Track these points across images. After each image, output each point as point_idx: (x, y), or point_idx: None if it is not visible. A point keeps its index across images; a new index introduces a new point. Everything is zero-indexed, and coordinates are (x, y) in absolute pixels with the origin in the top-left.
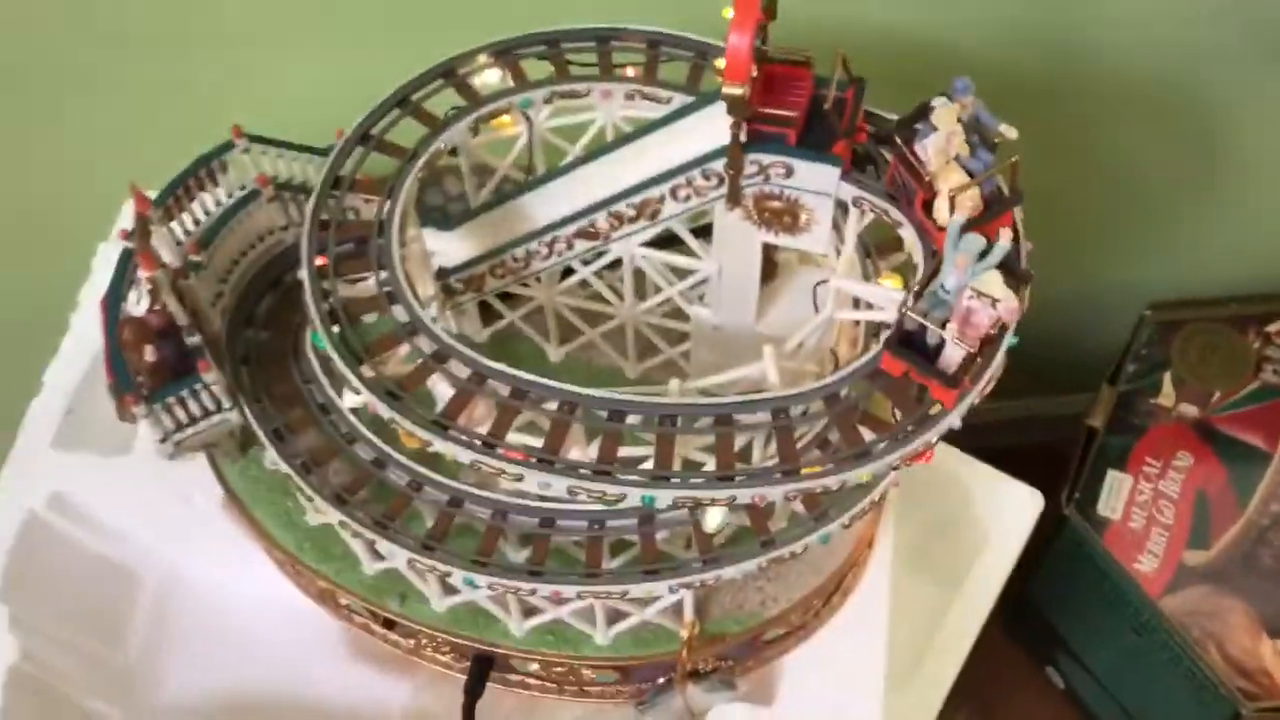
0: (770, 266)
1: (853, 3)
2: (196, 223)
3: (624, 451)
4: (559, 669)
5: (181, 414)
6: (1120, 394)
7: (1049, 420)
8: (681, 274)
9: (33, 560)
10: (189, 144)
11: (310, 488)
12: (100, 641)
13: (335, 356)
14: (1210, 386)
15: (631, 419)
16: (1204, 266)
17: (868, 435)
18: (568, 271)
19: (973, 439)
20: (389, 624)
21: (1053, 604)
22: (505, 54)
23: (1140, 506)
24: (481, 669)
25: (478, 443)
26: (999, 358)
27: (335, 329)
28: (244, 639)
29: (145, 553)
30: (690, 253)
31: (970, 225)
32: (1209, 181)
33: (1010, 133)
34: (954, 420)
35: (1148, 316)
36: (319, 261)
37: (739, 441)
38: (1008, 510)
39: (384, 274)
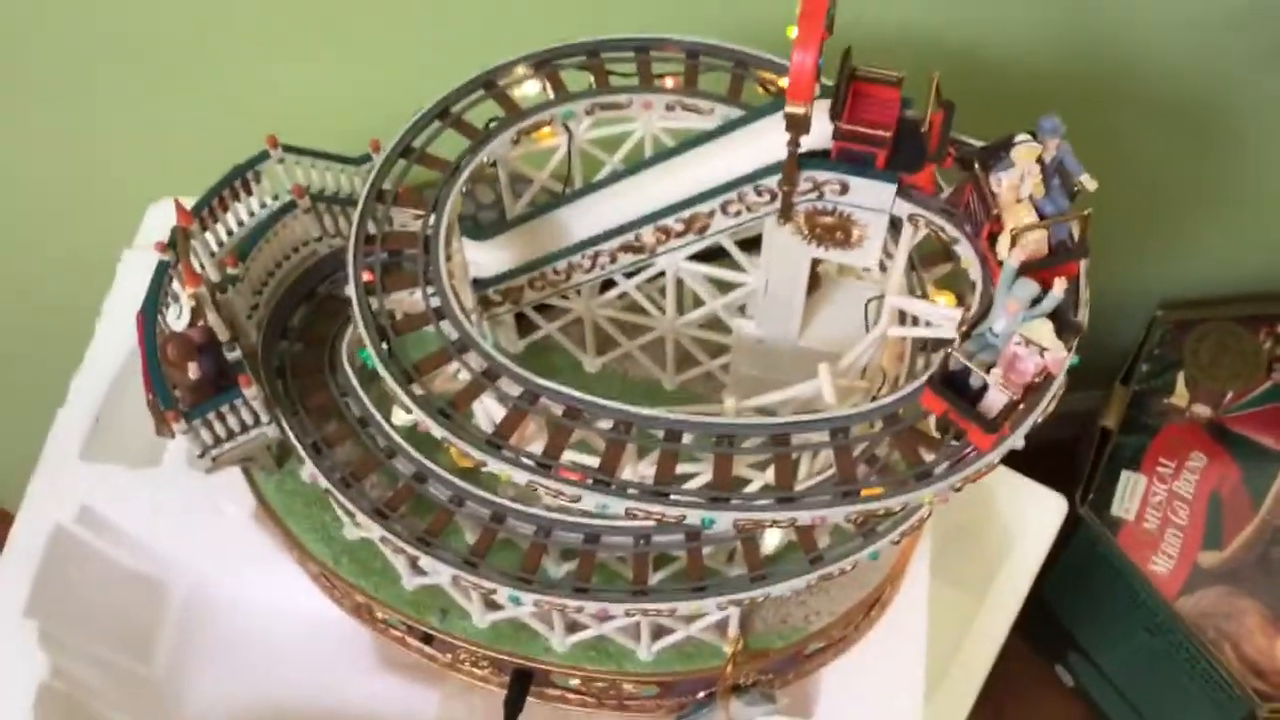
0: (814, 279)
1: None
2: (230, 233)
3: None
4: (600, 684)
5: (220, 429)
6: (1133, 394)
7: (1060, 417)
8: (725, 287)
9: (61, 574)
10: (219, 153)
11: (350, 502)
12: (129, 656)
13: (385, 375)
14: (1223, 386)
15: (687, 438)
16: (1217, 266)
17: (927, 455)
18: (607, 283)
19: None
20: (427, 639)
21: (1065, 603)
22: (544, 64)
23: (1154, 507)
24: (522, 685)
25: (533, 463)
26: (1056, 384)
27: (384, 345)
28: (272, 650)
29: (173, 565)
30: (736, 266)
31: (1029, 269)
32: (1222, 182)
33: (1090, 183)
34: (1015, 439)
35: (1160, 316)
36: (366, 277)
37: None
38: (1032, 515)
39: (431, 289)
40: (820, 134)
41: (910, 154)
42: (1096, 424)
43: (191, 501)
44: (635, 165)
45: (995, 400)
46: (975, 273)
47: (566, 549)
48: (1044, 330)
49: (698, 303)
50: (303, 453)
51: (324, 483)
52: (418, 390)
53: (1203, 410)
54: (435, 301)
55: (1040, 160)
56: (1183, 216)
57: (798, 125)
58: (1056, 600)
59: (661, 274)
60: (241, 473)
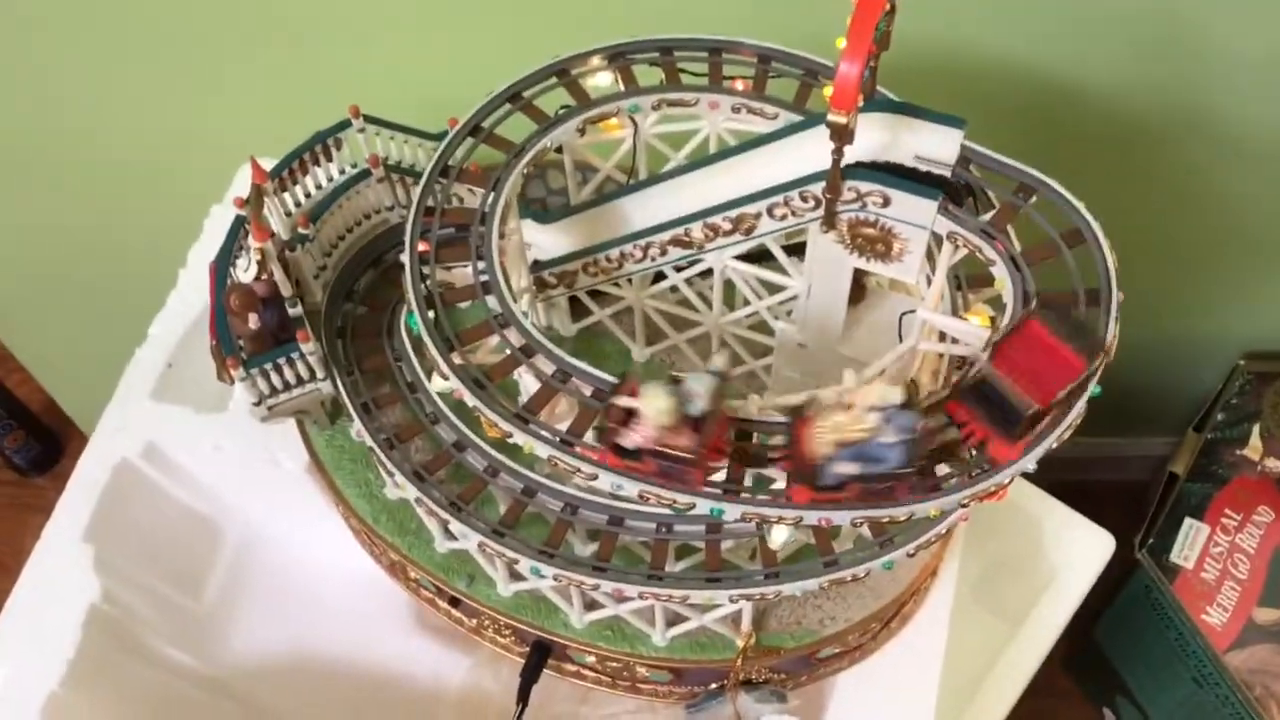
0: (859, 289)
1: (966, 30)
2: (308, 196)
3: None
4: (614, 664)
5: (277, 380)
6: (1206, 441)
7: (1134, 460)
8: (771, 289)
9: (122, 506)
10: (311, 119)
11: (392, 463)
12: (179, 590)
13: (428, 340)
14: None
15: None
16: None
17: (941, 469)
18: (659, 276)
19: (1054, 472)
20: (454, 601)
21: (1116, 646)
22: (618, 57)
23: (1215, 558)
24: (540, 656)
25: (556, 439)
26: (1074, 412)
27: (430, 313)
28: (315, 600)
29: (230, 508)
30: (781, 269)
31: None
32: None
33: None
34: (1028, 464)
35: (1241, 366)
36: (421, 247)
37: None
38: (1078, 551)
39: (481, 264)
40: (868, 145)
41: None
42: (1165, 469)
43: (251, 450)
44: (693, 162)
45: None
46: (1008, 295)
47: (592, 529)
48: None
49: (744, 303)
50: (353, 411)
51: (370, 441)
52: (457, 359)
53: (1276, 465)
54: (484, 277)
55: None
56: (1273, 264)
57: (841, 134)
58: (1108, 643)
59: (710, 271)
60: (296, 425)
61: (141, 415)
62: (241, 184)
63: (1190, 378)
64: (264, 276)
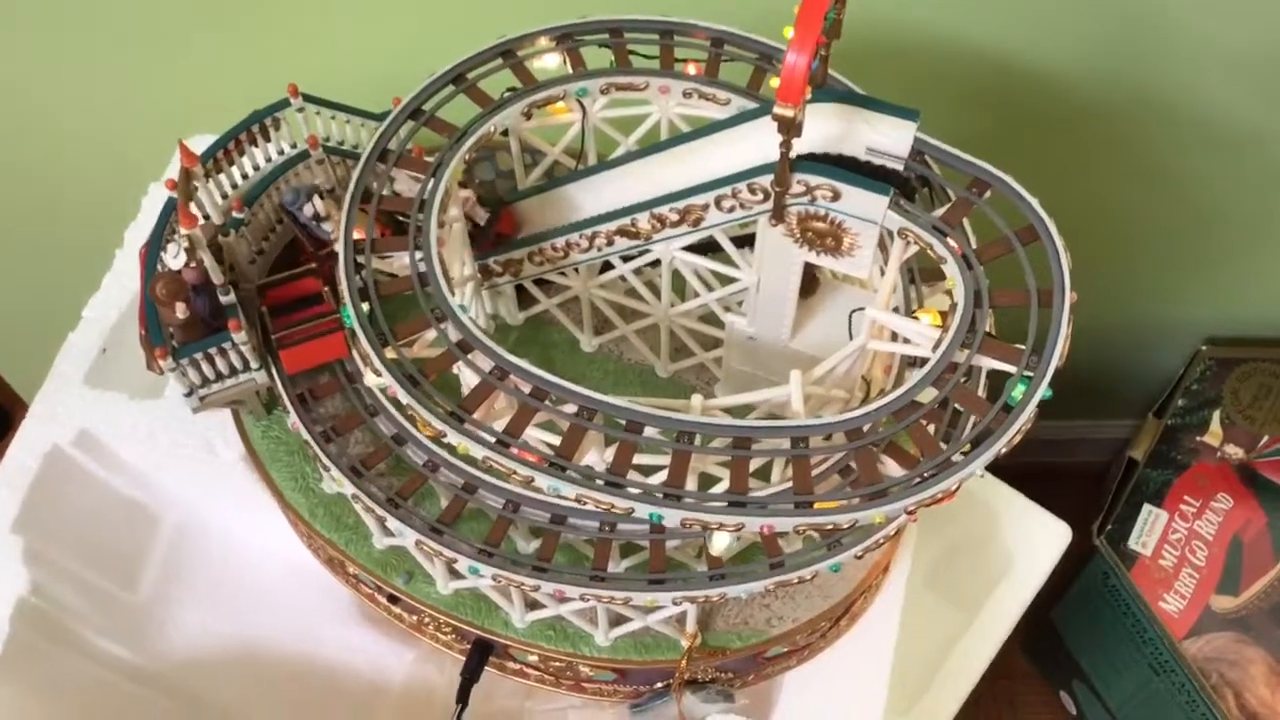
0: (811, 282)
1: (922, 11)
2: (245, 177)
3: (638, 460)
4: (557, 663)
5: (209, 370)
6: (1166, 428)
7: (1096, 443)
8: (721, 281)
9: (53, 495)
10: (256, 94)
11: (328, 457)
12: (113, 581)
13: (360, 335)
14: (1259, 430)
15: (649, 431)
16: (1268, 305)
17: (894, 470)
18: (607, 265)
19: (1016, 454)
20: (393, 599)
21: (1074, 631)
22: (566, 38)
23: (1173, 545)
24: (481, 654)
25: (492, 439)
26: (1023, 418)
27: (365, 305)
28: (255, 591)
29: (166, 497)
30: (730, 261)
31: None
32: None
33: None
34: (975, 468)
35: (1203, 351)
36: (357, 235)
37: (756, 463)
38: (1035, 540)
39: (419, 254)
40: (819, 137)
41: None
42: (1123, 455)
43: (188, 438)
44: (642, 149)
45: None
46: (959, 293)
47: (535, 526)
48: None
49: (694, 294)
50: (288, 403)
51: (305, 434)
52: (390, 354)
53: (1235, 451)
54: (422, 267)
55: None
56: (1235, 250)
57: (788, 128)
58: (1065, 627)
59: (658, 261)
60: (232, 415)
61: (74, 401)
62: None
63: (1153, 362)
64: (193, 264)
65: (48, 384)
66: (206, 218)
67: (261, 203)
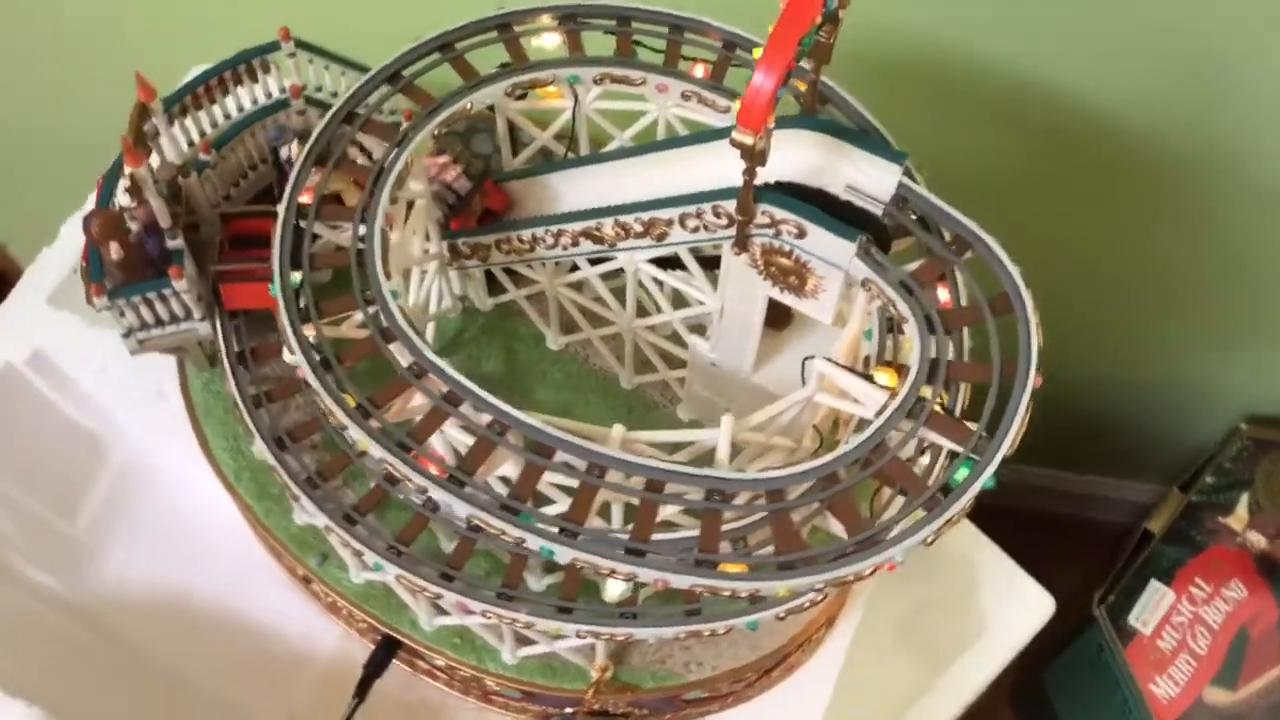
0: (785, 314)
1: (982, 39)
2: (227, 117)
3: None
4: (463, 673)
5: (148, 314)
6: (1189, 503)
7: (1115, 502)
8: (684, 300)
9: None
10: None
11: (254, 422)
12: (53, 509)
13: (281, 306)
14: None
15: (560, 457)
16: None
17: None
18: (576, 264)
19: (1033, 499)
20: (306, 579)
21: (1063, 696)
22: (570, 19)
23: (1175, 627)
24: (387, 651)
25: (394, 440)
26: (966, 497)
27: (297, 275)
28: (195, 541)
29: (117, 430)
30: (693, 282)
31: None
32: None
33: None
34: (895, 554)
35: (1242, 430)
36: (303, 198)
37: (667, 510)
38: (1014, 608)
39: (363, 228)
40: (797, 165)
41: None
42: (1141, 523)
43: (140, 377)
44: (629, 149)
45: None
46: (915, 357)
47: (455, 529)
48: None
49: (660, 310)
50: (224, 359)
51: (235, 395)
52: (309, 331)
53: (1258, 540)
54: (361, 244)
55: None
56: None
57: (749, 156)
58: (1054, 690)
59: (623, 270)
60: (176, 361)
61: (34, 319)
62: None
63: (1186, 429)
64: (135, 205)
65: (13, 296)
66: (162, 159)
67: (234, 147)
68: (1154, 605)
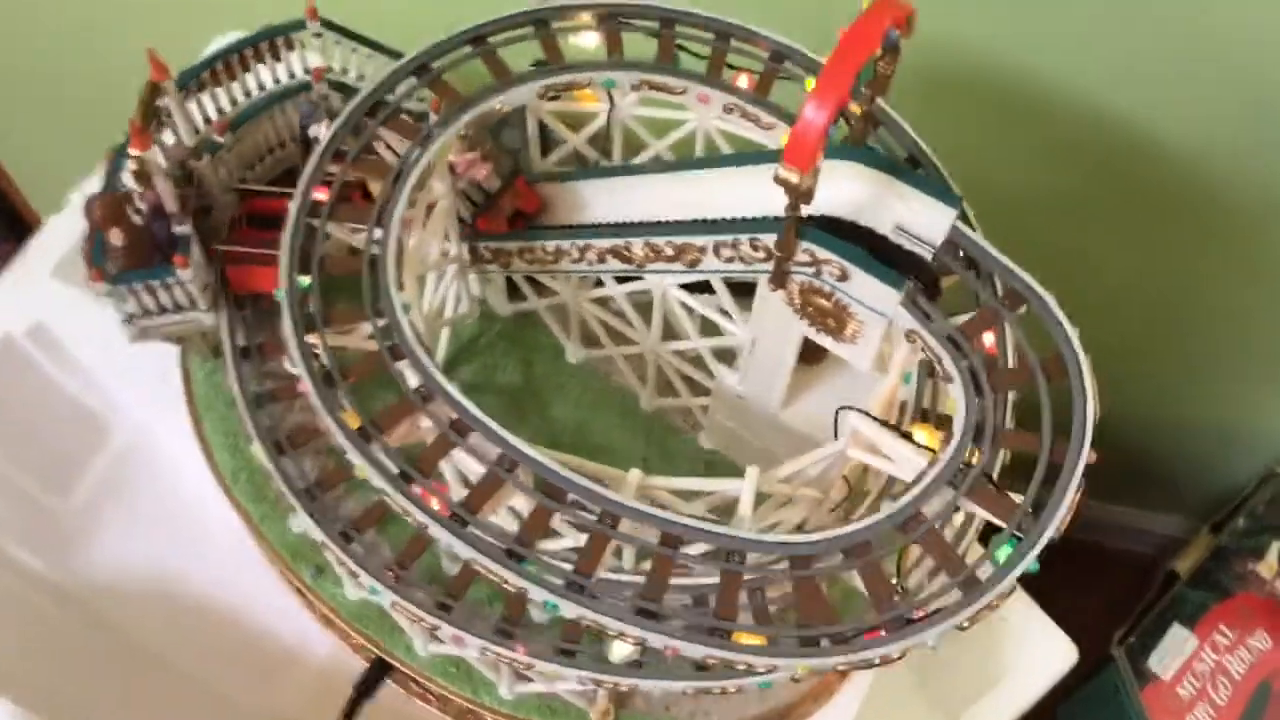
0: (819, 349)
1: (1045, 55)
2: (248, 95)
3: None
4: (457, 703)
5: (150, 301)
6: (1218, 547)
7: (1141, 535)
8: (713, 327)
9: None
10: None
11: (253, 423)
12: (45, 487)
13: (285, 311)
14: None
15: (572, 497)
16: None
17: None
18: (601, 279)
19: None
20: (300, 590)
21: None
22: (611, 18)
23: (1196, 675)
24: (378, 674)
25: (395, 470)
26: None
27: (305, 279)
28: (192, 531)
29: (118, 410)
30: (725, 312)
31: None
32: None
33: None
34: (928, 637)
35: (1279, 474)
36: (318, 194)
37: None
38: (1036, 655)
39: (379, 233)
40: (845, 199)
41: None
42: (1167, 561)
43: (146, 353)
44: (662, 163)
45: None
46: (957, 423)
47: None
48: None
49: (686, 334)
50: (228, 354)
51: (236, 391)
52: (314, 340)
53: None
54: (376, 249)
55: None
56: None
57: (794, 194)
58: None
59: (650, 290)
60: (179, 351)
61: (38, 291)
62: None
63: (1219, 467)
64: (140, 189)
65: (15, 265)
66: (175, 141)
67: (252, 128)
68: (1175, 650)
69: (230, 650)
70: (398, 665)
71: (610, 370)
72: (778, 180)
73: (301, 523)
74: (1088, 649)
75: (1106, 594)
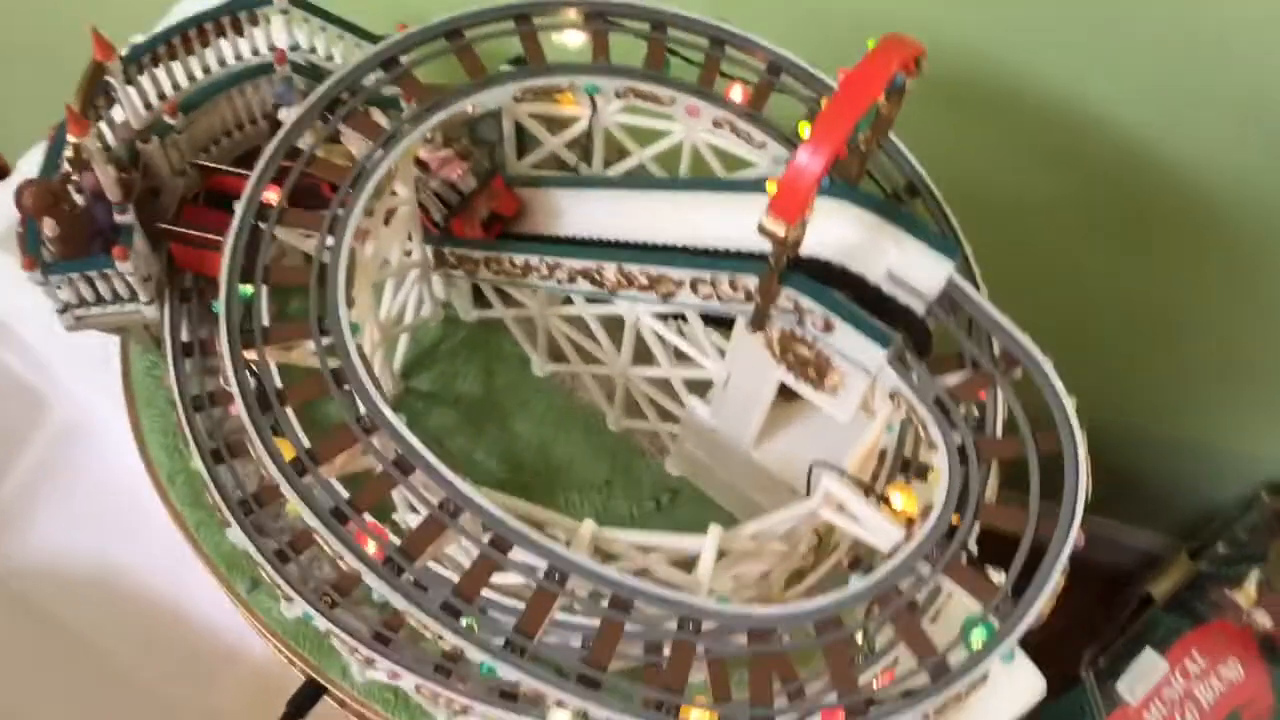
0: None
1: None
2: (207, 71)
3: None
4: None
5: (87, 292)
6: (1197, 572)
7: (1117, 547)
8: (688, 360)
9: None
10: None
11: (190, 429)
12: None
13: (222, 326)
14: None
15: (517, 555)
16: None
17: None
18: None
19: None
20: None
21: None
22: (598, 17)
23: (1164, 702)
24: (312, 695)
25: (329, 505)
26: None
27: (246, 288)
28: (130, 516)
29: (59, 390)
30: (700, 346)
31: None
32: None
33: None
34: None
35: (1263, 501)
36: (269, 194)
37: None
38: (1001, 686)
39: (330, 240)
40: (836, 241)
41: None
42: (1143, 582)
43: (91, 334)
44: (642, 179)
45: None
46: (939, 495)
47: None
48: None
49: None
50: (168, 351)
51: (174, 393)
52: (251, 356)
53: (1264, 620)
54: (326, 257)
55: None
56: None
57: (779, 245)
58: None
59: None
60: (119, 341)
61: None
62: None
63: (1204, 486)
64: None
65: None
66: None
67: (206, 110)
68: (1145, 675)
69: (168, 645)
70: (332, 689)
71: (577, 386)
72: (763, 232)
73: (236, 537)
74: (1054, 662)
75: (1077, 605)
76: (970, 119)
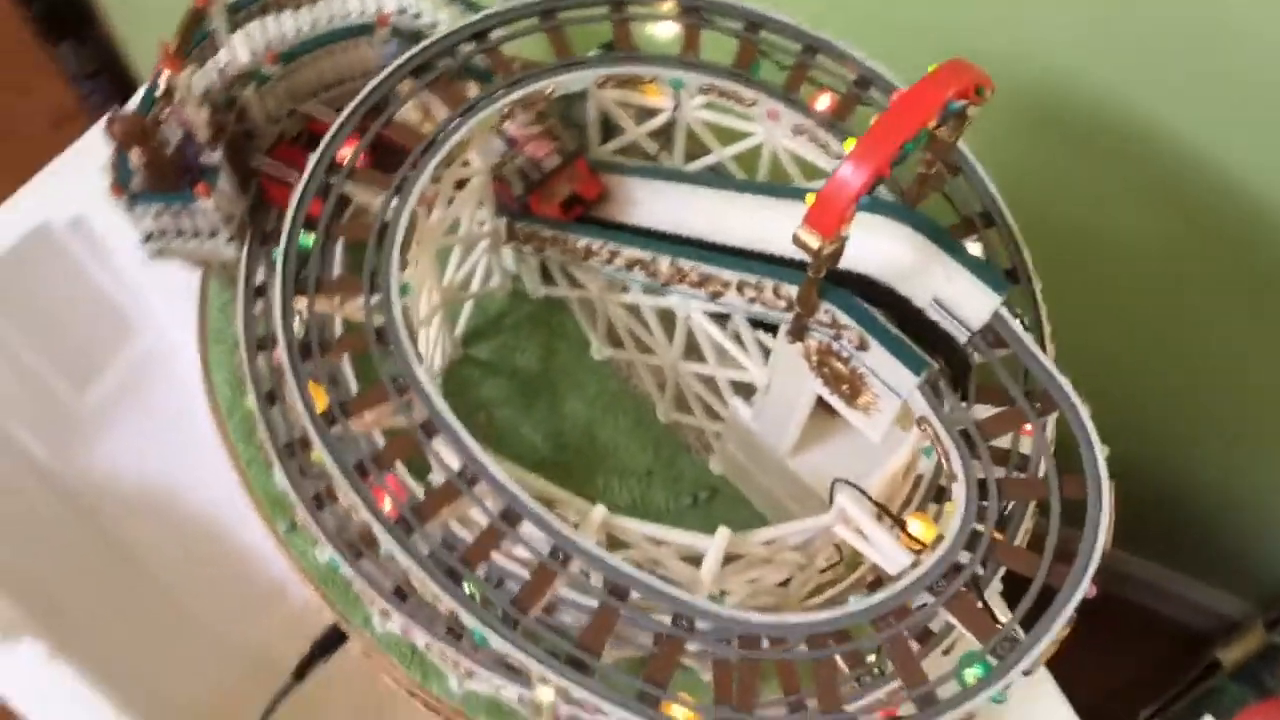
0: None
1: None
2: (314, 25)
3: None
4: (408, 685)
5: (169, 224)
6: (1270, 645)
7: (1191, 605)
8: (731, 360)
9: (29, 273)
10: None
11: (250, 369)
12: (63, 379)
13: (279, 272)
14: None
15: (525, 528)
16: None
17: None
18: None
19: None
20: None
21: None
22: (693, 11)
23: None
24: (335, 639)
25: (351, 462)
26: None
27: (311, 237)
28: (200, 444)
29: (147, 313)
30: (744, 347)
31: None
32: None
33: None
34: None
35: None
36: (344, 148)
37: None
38: None
39: (394, 203)
40: (886, 259)
41: None
42: (1215, 647)
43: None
44: (716, 178)
45: None
46: (952, 527)
47: None
48: None
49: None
50: (240, 292)
51: (240, 334)
52: (300, 304)
53: None
54: (388, 216)
55: None
56: None
57: (815, 257)
58: None
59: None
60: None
61: (83, 184)
62: None
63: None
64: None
65: (67, 156)
66: (220, 68)
67: (306, 62)
68: None
69: (218, 571)
70: (355, 637)
71: (632, 374)
72: (796, 242)
73: (279, 478)
74: (1110, 717)
75: (1143, 661)
76: (1051, 141)
